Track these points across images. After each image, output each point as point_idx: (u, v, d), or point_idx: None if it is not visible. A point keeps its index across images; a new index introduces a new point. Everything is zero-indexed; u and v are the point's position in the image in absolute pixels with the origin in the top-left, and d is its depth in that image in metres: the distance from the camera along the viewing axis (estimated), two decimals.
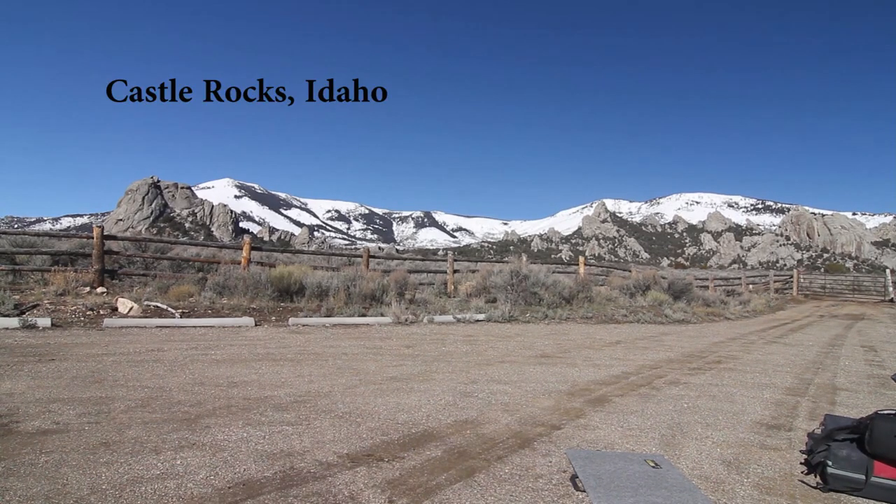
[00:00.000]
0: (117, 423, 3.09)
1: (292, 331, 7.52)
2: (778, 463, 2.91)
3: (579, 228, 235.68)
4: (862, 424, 2.63)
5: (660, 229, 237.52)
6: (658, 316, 12.13)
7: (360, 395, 3.98)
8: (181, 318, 7.72)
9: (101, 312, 7.56)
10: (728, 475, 2.70)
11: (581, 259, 17.97)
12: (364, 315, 9.23)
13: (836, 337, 10.04)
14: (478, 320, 9.79)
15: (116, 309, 7.80)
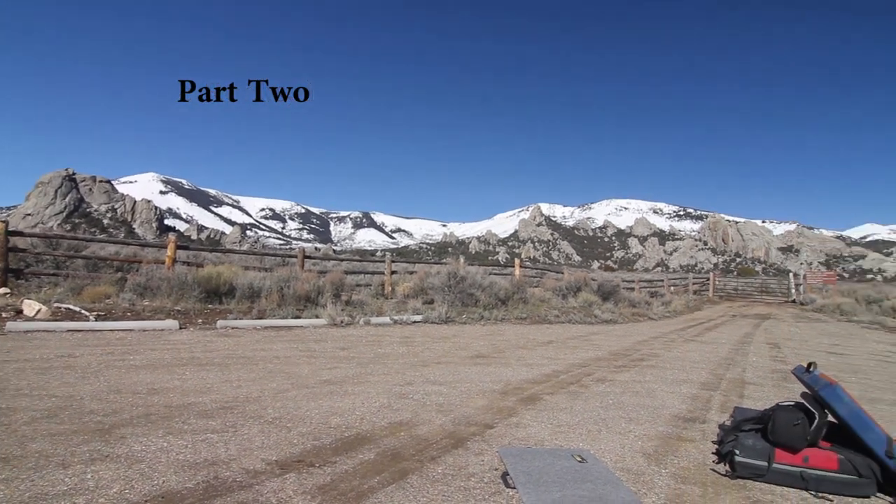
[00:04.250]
0: (19, 436, 2.84)
1: (220, 334, 7.21)
2: (693, 453, 3.10)
3: (516, 231, 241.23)
4: (765, 415, 2.86)
5: (591, 233, 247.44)
6: (588, 316, 12.62)
7: (292, 400, 3.87)
8: (96, 321, 7.20)
9: (4, 315, 6.92)
10: (648, 467, 2.85)
11: (517, 261, 18.38)
12: (298, 317, 8.99)
13: (745, 335, 10.84)
14: (415, 322, 9.78)
15: (22, 311, 7.16)
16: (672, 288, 27.71)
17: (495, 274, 16.52)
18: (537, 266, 33.12)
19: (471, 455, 2.89)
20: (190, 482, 2.38)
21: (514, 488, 2.41)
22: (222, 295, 9.62)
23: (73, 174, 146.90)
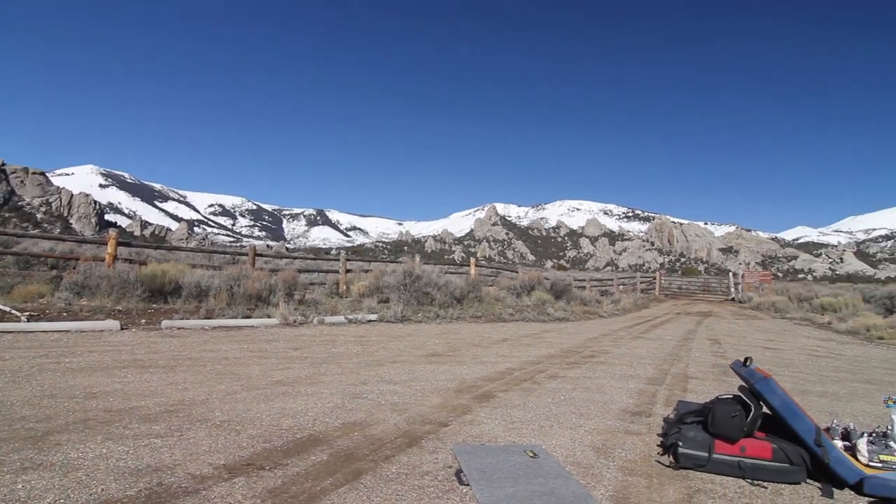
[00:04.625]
0: None
1: (165, 334, 6.92)
2: (639, 446, 3.22)
3: (471, 230, 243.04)
4: (706, 408, 3.00)
5: (545, 233, 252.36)
6: (541, 314, 12.87)
7: (241, 402, 3.76)
8: (28, 321, 6.77)
9: None
10: (597, 460, 2.94)
11: (472, 260, 18.53)
12: (249, 317, 8.75)
13: (689, 332, 11.34)
14: (370, 321, 9.70)
15: None
16: (621, 287, 28.64)
17: (451, 273, 16.60)
18: (492, 265, 33.48)
19: (425, 453, 2.89)
20: (131, 489, 2.28)
21: (468, 485, 2.43)
22: (168, 294, 9.24)
23: (3, 165, 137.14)
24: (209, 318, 8.24)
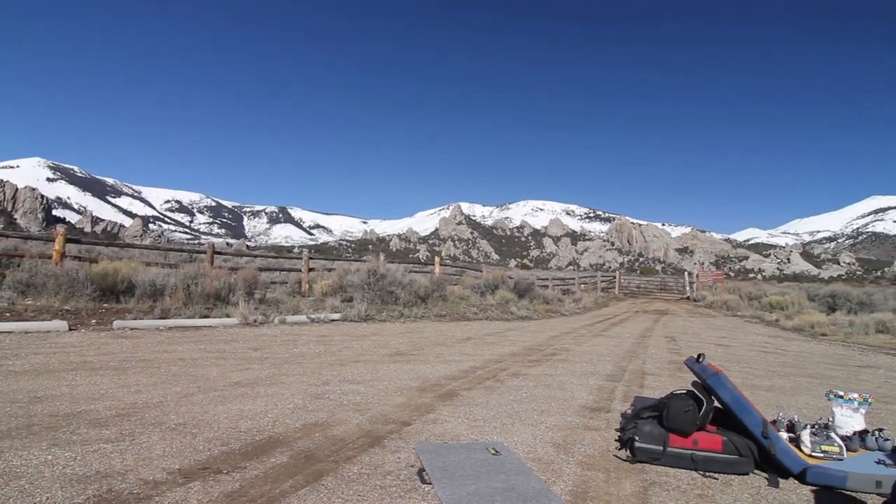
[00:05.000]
0: None
1: (117, 335, 6.66)
2: (598, 441, 3.29)
3: (436, 229, 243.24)
4: (661, 403, 3.10)
5: (509, 232, 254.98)
6: (505, 313, 13.00)
7: (198, 404, 3.66)
8: None
9: None
10: (557, 455, 2.99)
11: (437, 259, 18.55)
12: (207, 316, 8.51)
13: (646, 329, 11.68)
14: (333, 320, 9.59)
15: None
16: (582, 286, 29.23)
17: (415, 272, 16.57)
18: (457, 264, 33.61)
19: (388, 453, 2.88)
20: (78, 497, 2.18)
21: (430, 484, 2.43)
22: (120, 293, 8.88)
23: None
24: (164, 318, 7.97)
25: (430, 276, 16.21)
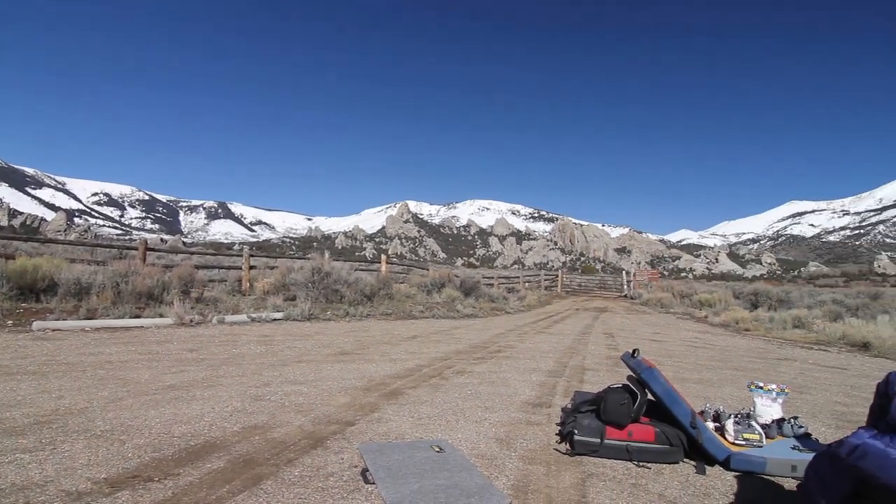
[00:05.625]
0: None
1: (37, 337, 6.20)
2: (539, 436, 3.38)
3: (383, 227, 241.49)
4: (599, 397, 3.22)
5: (455, 231, 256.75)
6: (451, 311, 13.08)
7: (128, 409, 3.46)
8: None
9: None
10: (500, 451, 3.05)
11: (384, 257, 18.42)
12: (138, 316, 8.07)
13: (586, 327, 12.08)
14: (275, 319, 9.33)
15: None
16: (527, 284, 29.86)
17: (361, 270, 16.37)
18: (404, 262, 33.51)
19: (330, 454, 2.83)
20: None
21: (374, 483, 2.42)
22: (41, 292, 8.26)
23: None
24: (91, 319, 7.49)
25: (377, 274, 16.08)
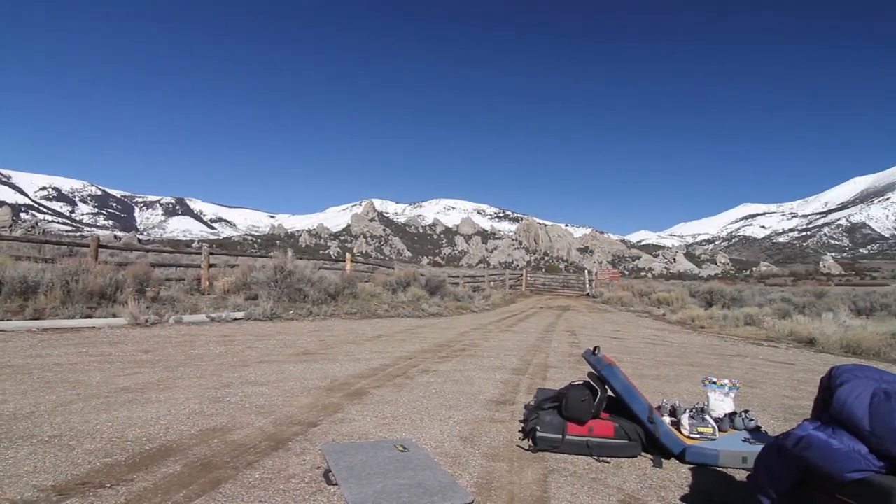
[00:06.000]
0: None
1: None
2: (503, 433, 3.41)
3: (348, 226, 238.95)
4: (561, 394, 3.27)
5: (421, 230, 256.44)
6: (416, 310, 13.07)
7: (77, 413, 3.32)
8: None
9: None
10: (464, 449, 3.06)
11: (348, 256, 18.24)
12: (90, 316, 7.75)
13: (550, 325, 12.27)
14: (236, 319, 9.11)
15: None
16: (492, 283, 30.09)
17: (326, 268, 16.16)
18: (369, 261, 33.26)
19: (292, 456, 2.79)
20: None
21: (336, 485, 2.39)
22: None
23: None
24: (38, 319, 7.14)
25: (342, 273, 15.91)
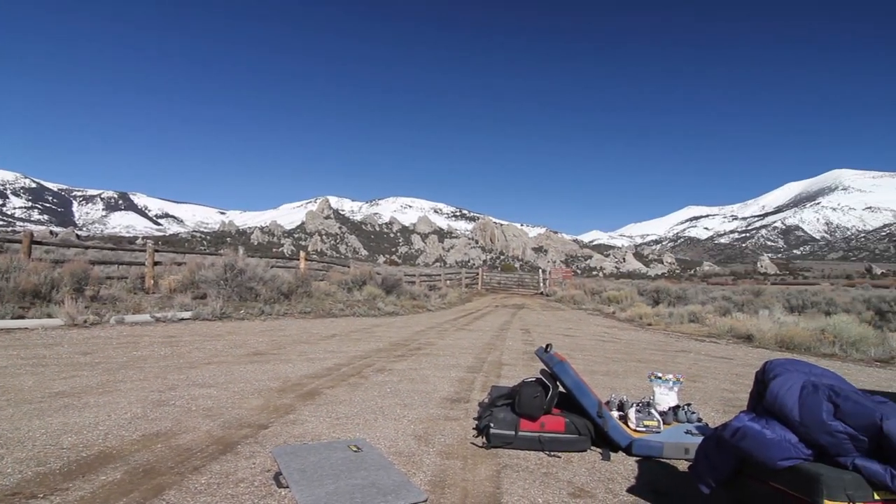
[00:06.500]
0: None
1: None
2: (457, 431, 3.43)
3: (303, 223, 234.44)
4: (514, 391, 3.32)
5: (378, 228, 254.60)
6: (372, 309, 12.96)
7: (7, 420, 3.11)
8: None
9: None
10: (418, 447, 3.06)
11: (302, 254, 17.89)
12: (22, 317, 7.29)
13: (504, 323, 12.43)
14: (183, 319, 8.77)
15: None
16: (448, 282, 30.21)
17: (279, 267, 15.79)
18: (324, 259, 32.71)
19: (241, 459, 2.71)
20: None
21: (287, 487, 2.35)
22: None
23: None
24: None
25: (295, 271, 15.58)
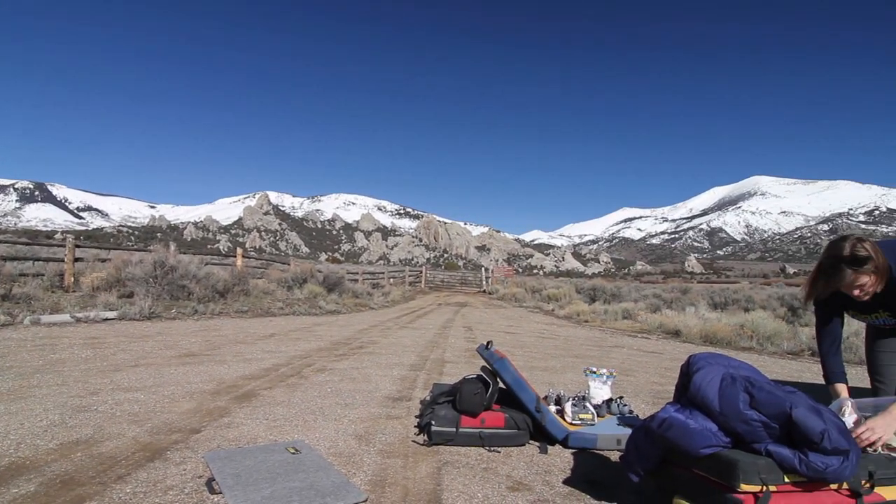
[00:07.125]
0: None
1: None
2: (398, 429, 3.43)
3: (240, 219, 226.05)
4: (455, 388, 3.36)
5: (320, 225, 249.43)
6: (313, 308, 12.69)
7: None
8: None
9: None
10: (359, 447, 3.03)
11: (239, 251, 17.25)
12: None
13: (447, 321, 12.52)
14: (107, 319, 8.25)
15: None
16: (391, 280, 30.05)
17: (214, 264, 15.15)
18: (263, 257, 31.70)
19: (170, 466, 2.59)
20: None
21: (221, 493, 2.26)
22: None
23: None
24: None
25: (232, 269, 15.00)
